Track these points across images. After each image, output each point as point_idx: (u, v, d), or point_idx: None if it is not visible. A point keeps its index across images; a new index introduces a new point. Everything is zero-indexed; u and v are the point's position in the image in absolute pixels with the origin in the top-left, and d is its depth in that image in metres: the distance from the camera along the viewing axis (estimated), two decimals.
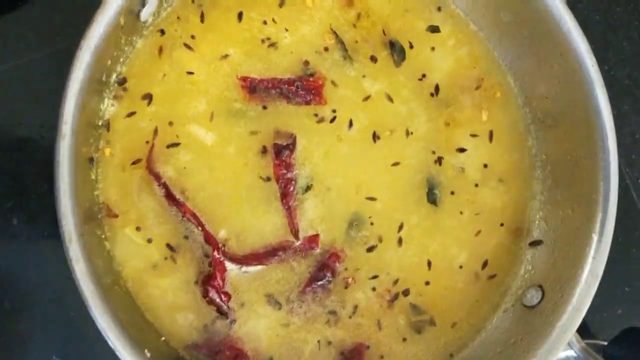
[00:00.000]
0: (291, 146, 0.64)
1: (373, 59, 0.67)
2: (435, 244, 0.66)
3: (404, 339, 0.65)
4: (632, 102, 0.80)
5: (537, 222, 0.69)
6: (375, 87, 0.67)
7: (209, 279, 0.61)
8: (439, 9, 0.70)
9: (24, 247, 0.68)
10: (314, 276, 0.63)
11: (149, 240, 0.61)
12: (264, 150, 0.64)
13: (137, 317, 0.60)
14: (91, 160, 0.60)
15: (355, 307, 0.64)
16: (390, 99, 0.67)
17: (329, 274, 0.64)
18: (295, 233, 0.63)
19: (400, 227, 0.66)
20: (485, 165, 0.68)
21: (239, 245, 0.63)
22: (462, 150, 0.68)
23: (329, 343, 0.64)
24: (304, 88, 0.65)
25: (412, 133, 0.67)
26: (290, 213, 0.63)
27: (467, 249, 0.67)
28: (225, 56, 0.65)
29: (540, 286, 0.65)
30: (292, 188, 0.64)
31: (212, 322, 0.61)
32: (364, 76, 0.67)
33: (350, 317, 0.64)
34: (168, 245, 0.61)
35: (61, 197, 0.52)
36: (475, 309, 0.67)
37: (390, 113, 0.67)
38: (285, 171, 0.63)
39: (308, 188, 0.64)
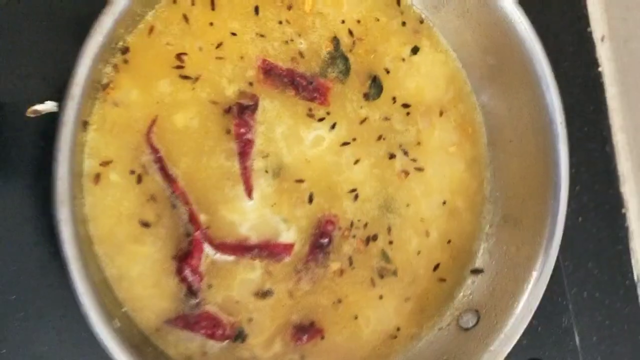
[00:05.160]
0: (253, 107, 0.65)
1: (365, 96, 0.71)
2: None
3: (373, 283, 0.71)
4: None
5: (481, 252, 0.75)
6: (363, 111, 0.71)
7: (186, 257, 0.62)
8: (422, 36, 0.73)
9: None
10: (314, 243, 0.67)
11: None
12: (228, 110, 0.65)
13: (108, 286, 0.60)
14: (85, 123, 0.59)
15: (350, 258, 0.69)
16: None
17: (326, 240, 0.67)
18: (250, 192, 0.65)
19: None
20: (441, 191, 0.73)
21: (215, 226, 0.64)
22: (420, 169, 0.73)
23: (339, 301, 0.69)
24: (314, 87, 0.68)
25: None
26: (246, 172, 0.65)
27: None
28: (235, 34, 0.66)
29: (477, 311, 0.71)
30: (250, 149, 0.65)
31: (182, 300, 0.63)
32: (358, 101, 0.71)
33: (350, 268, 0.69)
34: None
35: (60, 158, 0.52)
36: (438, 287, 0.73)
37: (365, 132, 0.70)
38: (244, 130, 0.65)
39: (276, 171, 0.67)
